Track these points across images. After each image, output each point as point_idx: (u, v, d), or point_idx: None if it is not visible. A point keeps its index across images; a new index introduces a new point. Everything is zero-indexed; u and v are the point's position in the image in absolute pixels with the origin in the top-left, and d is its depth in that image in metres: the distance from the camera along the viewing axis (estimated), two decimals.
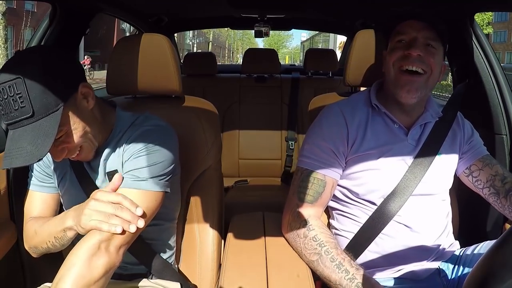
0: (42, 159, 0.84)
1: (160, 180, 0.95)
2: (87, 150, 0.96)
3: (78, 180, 1.02)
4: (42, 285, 1.05)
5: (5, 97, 0.81)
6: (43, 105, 0.83)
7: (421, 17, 1.04)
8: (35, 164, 1.07)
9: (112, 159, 1.00)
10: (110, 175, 0.99)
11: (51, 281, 1.06)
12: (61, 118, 0.86)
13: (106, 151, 1.01)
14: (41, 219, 1.03)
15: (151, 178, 0.94)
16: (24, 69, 0.83)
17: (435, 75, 1.05)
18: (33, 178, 1.08)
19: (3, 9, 9.05)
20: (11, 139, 0.84)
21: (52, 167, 1.06)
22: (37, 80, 0.83)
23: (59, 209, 1.13)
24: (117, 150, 1.00)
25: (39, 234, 1.00)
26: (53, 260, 1.07)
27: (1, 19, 8.96)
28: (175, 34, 3.42)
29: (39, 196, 1.08)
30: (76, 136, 0.91)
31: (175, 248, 1.15)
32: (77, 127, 0.91)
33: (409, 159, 1.07)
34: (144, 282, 1.06)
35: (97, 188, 1.01)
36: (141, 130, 0.99)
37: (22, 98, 0.81)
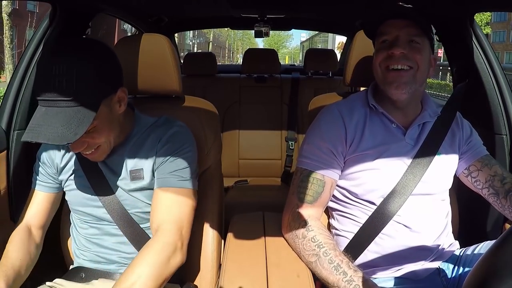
0: (70, 143, 0.86)
1: (195, 178, 1.02)
2: (102, 151, 0.98)
3: (87, 177, 1.04)
4: (42, 285, 1.05)
5: (53, 74, 0.83)
6: (84, 94, 0.85)
7: (402, 15, 1.05)
8: (40, 163, 1.09)
9: (137, 159, 1.03)
10: (133, 173, 1.02)
11: (51, 281, 1.06)
12: (97, 113, 0.88)
13: (127, 150, 1.03)
14: (14, 251, 1.00)
15: (191, 177, 1.00)
16: (81, 56, 0.87)
17: (422, 69, 1.05)
18: (35, 177, 1.09)
19: (9, 10, 8.99)
20: (43, 116, 0.85)
21: (62, 165, 1.07)
22: (89, 70, 0.86)
23: (61, 208, 1.13)
24: (144, 150, 1.03)
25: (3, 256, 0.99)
26: (53, 260, 1.06)
27: (7, 20, 8.89)
28: (175, 34, 3.42)
29: (36, 196, 1.09)
30: (102, 134, 0.94)
31: None
32: (105, 126, 0.94)
33: (408, 159, 1.07)
34: None
35: (108, 185, 1.03)
36: (172, 131, 1.03)
37: (69, 81, 0.83)
